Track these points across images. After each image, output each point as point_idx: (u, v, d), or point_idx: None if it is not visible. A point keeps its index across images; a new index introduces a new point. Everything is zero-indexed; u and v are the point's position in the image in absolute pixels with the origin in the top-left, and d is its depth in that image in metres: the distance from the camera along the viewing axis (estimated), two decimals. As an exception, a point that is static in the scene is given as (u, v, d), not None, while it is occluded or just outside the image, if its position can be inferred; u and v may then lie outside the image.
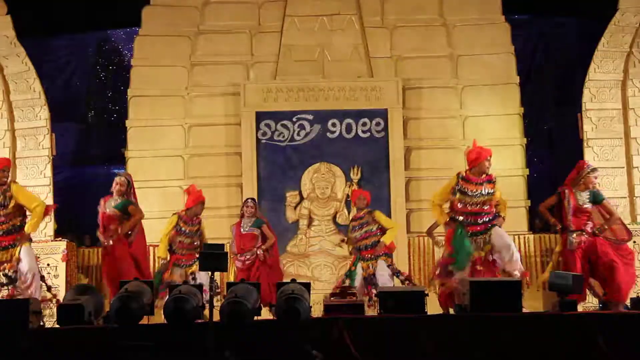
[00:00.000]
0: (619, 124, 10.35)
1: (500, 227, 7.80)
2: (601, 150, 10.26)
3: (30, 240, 8.04)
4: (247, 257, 8.63)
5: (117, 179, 8.31)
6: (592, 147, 10.30)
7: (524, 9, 11.95)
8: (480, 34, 10.94)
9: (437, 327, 6.13)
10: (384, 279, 8.40)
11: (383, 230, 8.57)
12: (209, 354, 5.57)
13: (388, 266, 8.51)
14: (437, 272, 7.91)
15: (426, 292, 6.55)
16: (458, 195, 7.69)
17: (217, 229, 9.88)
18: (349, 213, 10.52)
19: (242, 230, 8.72)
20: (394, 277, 8.52)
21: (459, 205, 7.70)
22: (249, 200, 8.95)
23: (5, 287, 7.78)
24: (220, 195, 10.45)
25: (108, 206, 8.21)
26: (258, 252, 8.60)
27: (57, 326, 6.25)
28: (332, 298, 7.39)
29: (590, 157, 10.21)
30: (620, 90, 10.40)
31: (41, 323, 6.38)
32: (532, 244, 10.25)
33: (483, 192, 7.67)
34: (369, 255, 8.52)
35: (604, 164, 10.20)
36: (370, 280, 8.43)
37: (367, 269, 8.49)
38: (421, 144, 10.77)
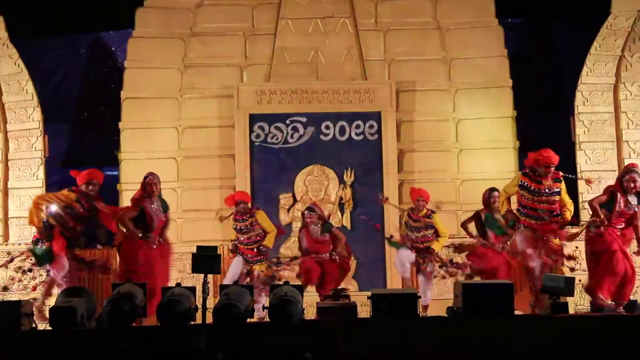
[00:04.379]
0: (610, 127, 10.42)
1: None
2: (593, 154, 10.33)
3: None
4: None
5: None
6: (584, 150, 10.38)
7: (517, 13, 11.98)
8: (474, 37, 10.97)
9: (429, 329, 6.15)
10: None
11: (438, 235, 8.84)
12: (201, 356, 5.56)
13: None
14: None
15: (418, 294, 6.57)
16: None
17: (210, 231, 9.89)
18: (342, 215, 10.53)
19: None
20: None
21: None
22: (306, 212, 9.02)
23: None
24: (213, 198, 10.42)
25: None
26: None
27: (49, 328, 6.24)
28: (325, 300, 7.40)
29: (582, 160, 10.30)
30: (612, 94, 10.47)
31: (33, 325, 6.36)
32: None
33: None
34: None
35: (595, 167, 10.29)
36: None
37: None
38: (414, 147, 10.79)
